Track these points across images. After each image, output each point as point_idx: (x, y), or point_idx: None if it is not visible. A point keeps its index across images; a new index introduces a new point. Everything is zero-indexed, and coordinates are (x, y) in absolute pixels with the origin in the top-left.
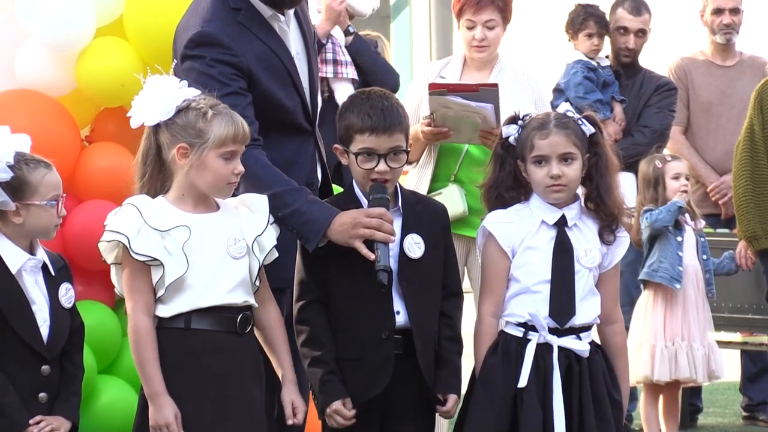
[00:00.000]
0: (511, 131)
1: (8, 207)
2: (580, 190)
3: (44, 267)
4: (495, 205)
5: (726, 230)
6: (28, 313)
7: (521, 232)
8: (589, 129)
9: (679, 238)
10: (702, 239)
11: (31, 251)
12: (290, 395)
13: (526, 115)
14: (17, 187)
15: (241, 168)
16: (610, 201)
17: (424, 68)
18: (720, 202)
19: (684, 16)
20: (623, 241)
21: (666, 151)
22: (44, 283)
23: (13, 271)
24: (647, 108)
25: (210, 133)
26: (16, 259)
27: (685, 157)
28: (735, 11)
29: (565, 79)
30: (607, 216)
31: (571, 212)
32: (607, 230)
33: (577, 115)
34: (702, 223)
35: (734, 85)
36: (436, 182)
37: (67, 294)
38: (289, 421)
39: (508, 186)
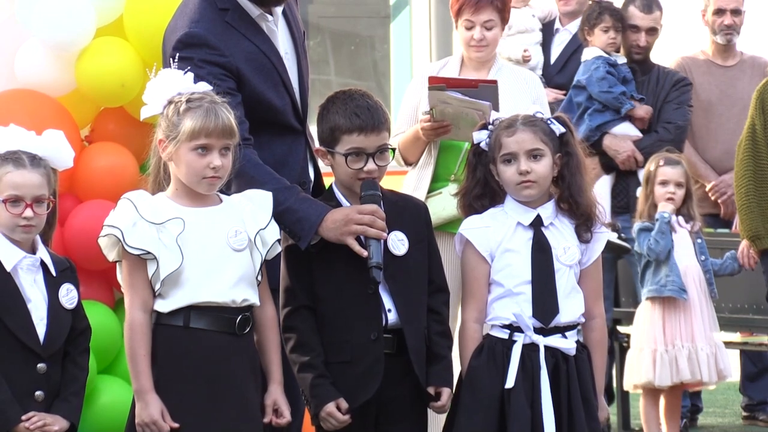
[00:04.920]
0: (481, 137)
1: None
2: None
3: (45, 267)
4: (468, 213)
5: (726, 230)
6: (23, 310)
7: (498, 235)
8: (558, 129)
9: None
10: (699, 241)
11: (33, 251)
12: (273, 396)
13: (496, 119)
14: None
15: (218, 162)
16: (583, 200)
17: (423, 70)
18: (719, 201)
19: (685, 16)
20: (601, 237)
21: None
22: (44, 283)
23: (8, 268)
24: (666, 104)
25: (181, 126)
26: (11, 256)
27: (685, 156)
28: (736, 12)
29: (585, 75)
30: (581, 215)
31: (546, 211)
32: (583, 228)
33: (545, 116)
34: (698, 225)
35: (734, 84)
36: (436, 182)
37: (68, 295)
38: (266, 419)
39: (477, 194)
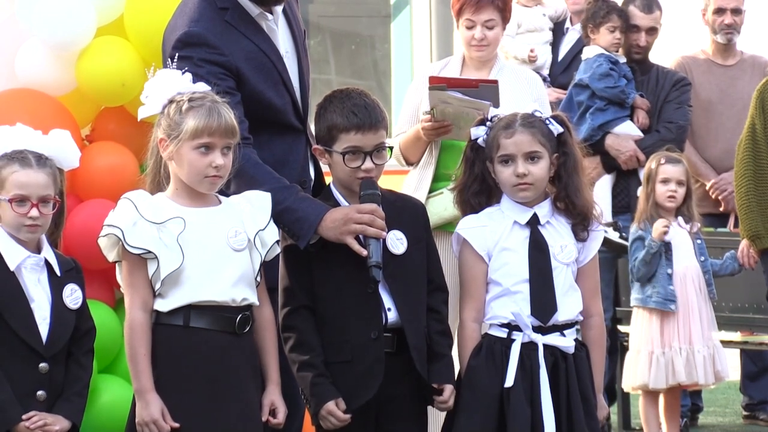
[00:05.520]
0: (479, 133)
1: None
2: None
3: (50, 267)
4: (466, 210)
5: (726, 230)
6: (26, 309)
7: (495, 234)
8: (557, 129)
9: (666, 261)
10: (699, 241)
11: (38, 250)
12: (270, 396)
13: (495, 116)
14: None
15: (220, 161)
16: (579, 200)
17: (424, 69)
18: (720, 198)
19: (685, 16)
20: (597, 235)
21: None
22: (48, 283)
23: (11, 267)
24: (667, 104)
25: (183, 125)
26: (14, 255)
27: (685, 155)
28: (736, 11)
29: (587, 73)
30: (577, 215)
31: (543, 210)
32: (579, 228)
33: (544, 115)
34: (697, 226)
35: (735, 84)
36: (437, 182)
37: (72, 295)
38: (264, 418)
39: (475, 191)
